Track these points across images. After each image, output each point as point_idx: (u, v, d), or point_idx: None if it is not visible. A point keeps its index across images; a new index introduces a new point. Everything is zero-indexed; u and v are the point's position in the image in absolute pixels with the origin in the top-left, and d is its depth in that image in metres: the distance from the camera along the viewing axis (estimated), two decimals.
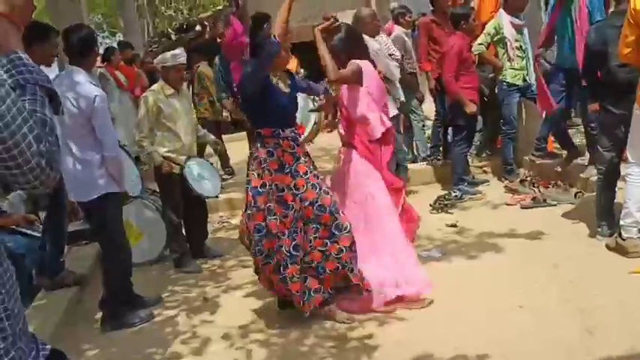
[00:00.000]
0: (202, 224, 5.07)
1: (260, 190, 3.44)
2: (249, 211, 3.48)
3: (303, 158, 3.52)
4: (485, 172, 6.74)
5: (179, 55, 4.65)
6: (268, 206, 3.42)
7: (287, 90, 3.58)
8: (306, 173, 3.48)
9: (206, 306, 4.15)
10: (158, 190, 4.97)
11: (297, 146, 3.51)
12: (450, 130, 6.76)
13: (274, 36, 3.38)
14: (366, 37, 4.76)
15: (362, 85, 3.76)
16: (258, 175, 3.46)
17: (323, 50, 3.62)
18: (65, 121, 3.59)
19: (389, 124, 3.92)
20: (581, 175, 5.74)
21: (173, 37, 11.83)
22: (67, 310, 4.09)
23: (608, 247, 4.29)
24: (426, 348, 3.22)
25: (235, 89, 5.17)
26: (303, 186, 3.46)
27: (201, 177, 4.79)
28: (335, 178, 3.99)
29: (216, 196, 5.02)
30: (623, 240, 4.13)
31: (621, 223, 4.15)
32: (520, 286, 3.84)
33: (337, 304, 3.69)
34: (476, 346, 3.16)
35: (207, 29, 11.62)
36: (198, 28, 11.79)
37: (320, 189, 3.50)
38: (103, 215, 3.68)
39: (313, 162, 3.68)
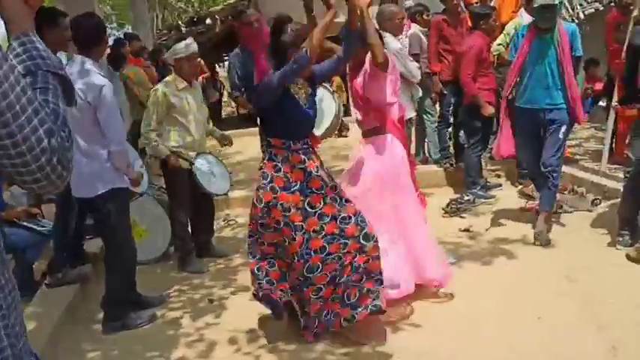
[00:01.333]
0: (209, 222, 4.95)
1: (255, 202, 3.27)
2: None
3: (314, 172, 3.24)
4: (498, 176, 6.59)
5: (190, 44, 4.50)
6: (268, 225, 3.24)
7: (305, 101, 3.32)
8: (321, 188, 3.23)
9: (212, 308, 4.02)
10: (165, 186, 4.82)
11: (308, 160, 3.25)
12: (462, 132, 6.62)
13: (307, 51, 3.11)
14: (387, 36, 4.68)
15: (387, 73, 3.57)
16: (258, 188, 3.27)
17: (372, 29, 3.37)
18: (73, 114, 3.45)
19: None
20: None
21: (183, 29, 11.69)
22: (67, 309, 3.95)
23: (628, 257, 4.15)
24: (445, 357, 3.10)
25: (250, 83, 5.00)
26: (320, 202, 3.22)
27: (211, 174, 4.65)
28: (356, 170, 3.73)
29: (226, 194, 4.87)
30: None
31: None
32: (537, 297, 3.71)
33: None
34: (497, 358, 3.02)
35: (218, 23, 11.54)
36: (208, 21, 11.68)
37: (340, 200, 3.27)
38: (108, 212, 3.55)
39: (328, 171, 3.45)
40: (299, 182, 3.20)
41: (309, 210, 3.21)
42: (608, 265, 4.10)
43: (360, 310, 3.22)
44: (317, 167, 3.28)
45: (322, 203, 3.22)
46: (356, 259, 3.20)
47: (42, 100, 1.14)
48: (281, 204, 3.18)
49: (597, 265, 4.11)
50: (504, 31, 5.90)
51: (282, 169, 3.21)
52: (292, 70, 3.12)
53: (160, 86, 4.52)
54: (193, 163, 4.51)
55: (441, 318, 3.52)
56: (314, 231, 3.19)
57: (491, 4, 6.72)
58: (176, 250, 4.82)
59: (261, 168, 3.36)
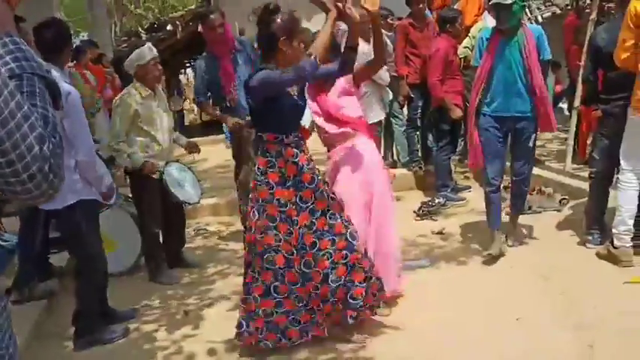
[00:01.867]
0: (180, 232, 4.84)
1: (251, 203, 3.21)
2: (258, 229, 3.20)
3: (306, 165, 3.22)
4: (467, 177, 6.66)
5: (150, 50, 4.40)
6: (267, 224, 3.16)
7: (295, 93, 3.28)
8: (312, 181, 3.21)
9: (187, 319, 3.92)
10: (132, 197, 4.68)
11: (300, 153, 3.22)
12: (430, 135, 6.67)
13: (315, 57, 3.04)
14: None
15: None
16: (255, 186, 3.20)
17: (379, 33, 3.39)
18: None
19: None
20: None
21: (143, 36, 11.50)
22: (35, 326, 3.81)
23: (599, 255, 4.21)
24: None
25: (216, 88, 4.89)
26: (311, 197, 3.19)
27: (182, 182, 4.55)
28: (334, 173, 3.67)
29: (197, 202, 4.77)
30: (616, 248, 4.05)
31: (614, 231, 4.08)
32: (514, 297, 3.73)
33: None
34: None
35: (180, 29, 11.39)
36: (169, 27, 11.52)
37: (328, 195, 3.27)
38: (77, 223, 3.42)
39: (316, 166, 3.39)
40: (292, 176, 3.18)
41: (301, 205, 3.18)
42: (581, 263, 4.16)
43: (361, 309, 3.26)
44: (307, 160, 3.25)
45: (313, 197, 3.20)
46: (348, 257, 3.19)
47: (30, 104, 1.07)
48: (277, 199, 3.14)
49: (570, 263, 4.16)
50: (470, 34, 5.98)
51: (277, 164, 3.17)
52: (301, 78, 3.09)
53: (123, 96, 4.40)
54: (163, 172, 4.40)
55: (421, 321, 3.50)
56: (305, 226, 3.17)
57: (455, 7, 6.80)
58: (147, 262, 4.69)
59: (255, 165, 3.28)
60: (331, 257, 3.17)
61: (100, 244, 3.61)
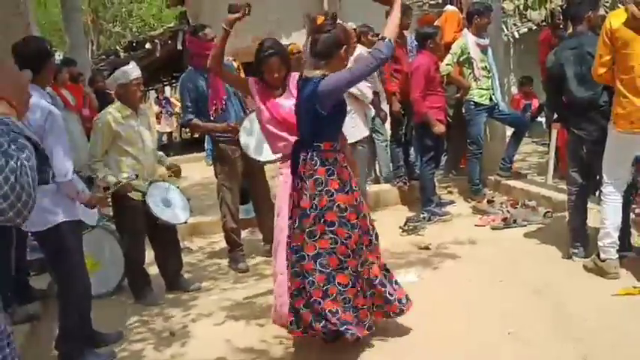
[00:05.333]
0: (176, 254, 4.73)
1: (309, 212, 3.18)
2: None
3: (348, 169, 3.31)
4: (450, 192, 6.69)
5: (133, 68, 4.34)
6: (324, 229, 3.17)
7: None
8: (356, 186, 3.31)
9: (176, 338, 3.85)
10: (114, 218, 4.60)
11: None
12: (411, 150, 6.71)
13: (390, 40, 3.11)
14: None
15: None
16: (312, 196, 3.17)
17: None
18: None
19: None
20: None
21: (122, 54, 11.42)
22: (21, 350, 3.69)
23: (585, 268, 4.24)
24: None
25: (203, 103, 4.85)
26: (358, 199, 3.29)
27: (168, 202, 4.47)
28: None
29: (185, 222, 4.69)
30: (602, 261, 4.08)
31: (599, 244, 4.11)
32: (504, 311, 3.72)
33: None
34: None
35: (158, 47, 11.35)
36: (148, 45, 11.47)
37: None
38: (60, 245, 3.34)
39: None
40: (348, 181, 3.25)
41: (360, 208, 3.29)
42: (569, 276, 4.18)
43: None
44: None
45: (359, 200, 3.31)
46: (380, 259, 3.36)
47: (15, 148, 1.31)
48: (337, 205, 3.16)
49: (559, 276, 4.18)
50: (451, 51, 6.03)
51: (335, 172, 3.21)
52: (383, 60, 3.15)
53: (103, 114, 4.34)
54: (146, 193, 4.32)
55: (410, 336, 3.48)
56: (364, 228, 3.30)
57: (435, 24, 6.87)
58: (129, 285, 4.59)
59: (296, 173, 3.29)
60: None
61: (84, 266, 3.53)
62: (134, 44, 12.20)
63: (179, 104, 14.07)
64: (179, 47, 11.39)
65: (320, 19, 3.31)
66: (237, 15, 3.69)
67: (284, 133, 3.74)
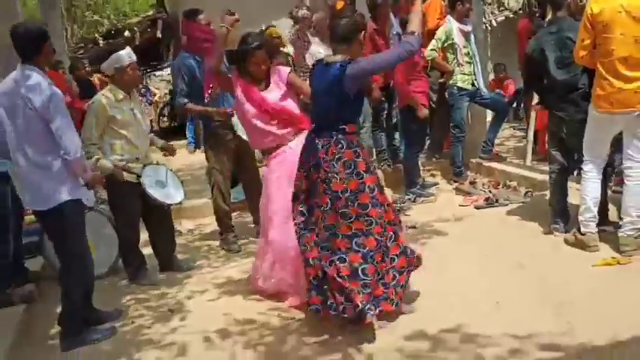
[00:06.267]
0: (169, 235, 4.80)
1: (340, 194, 3.28)
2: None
3: None
4: (433, 175, 6.85)
5: (130, 53, 4.42)
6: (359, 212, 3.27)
7: None
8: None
9: (174, 314, 3.95)
10: (108, 200, 4.65)
11: None
12: (397, 134, 6.84)
13: (419, 34, 3.25)
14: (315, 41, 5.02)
15: None
16: (342, 179, 3.27)
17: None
18: (20, 124, 3.32)
19: None
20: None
21: (101, 42, 11.34)
22: (19, 331, 3.76)
23: (567, 242, 4.43)
24: (410, 351, 3.19)
25: (198, 87, 4.93)
26: (378, 177, 3.45)
27: (162, 184, 4.54)
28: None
29: (180, 203, 4.76)
30: (582, 235, 4.28)
31: (580, 218, 4.31)
32: (491, 284, 3.88)
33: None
34: (468, 343, 3.17)
35: (137, 35, 11.31)
36: (127, 33, 11.42)
37: None
38: (64, 224, 3.41)
39: None
40: (370, 161, 3.41)
41: (381, 187, 3.45)
42: (551, 250, 4.38)
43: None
44: None
45: (378, 178, 3.47)
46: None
47: None
48: (368, 186, 3.28)
49: (541, 251, 4.37)
50: (436, 37, 6.17)
51: (361, 154, 3.33)
52: (412, 53, 3.29)
53: (97, 98, 4.39)
54: (140, 176, 4.39)
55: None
56: (388, 204, 3.48)
57: None
58: (124, 266, 4.66)
59: (316, 157, 3.35)
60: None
61: (87, 244, 3.60)
62: (113, 32, 12.11)
63: (158, 92, 14.07)
64: (158, 35, 11.36)
65: (339, 4, 3.45)
66: (236, 17, 3.90)
67: (272, 127, 3.88)
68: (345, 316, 3.29)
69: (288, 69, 4.17)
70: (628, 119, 4.00)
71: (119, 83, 4.36)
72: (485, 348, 3.10)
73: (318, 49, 5.47)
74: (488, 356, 3.03)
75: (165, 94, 15.05)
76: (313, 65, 3.69)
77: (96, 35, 12.49)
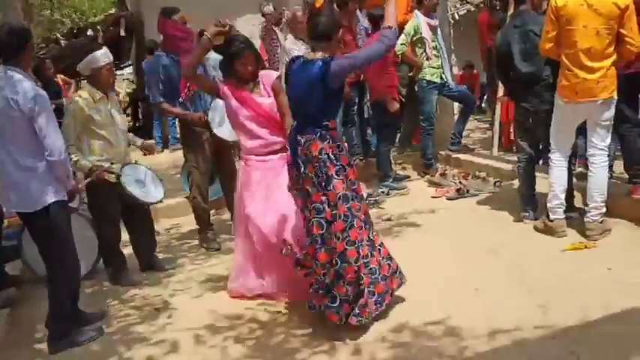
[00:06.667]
0: (150, 234, 4.83)
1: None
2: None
3: None
4: (404, 168, 7.00)
5: (105, 53, 4.43)
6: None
7: None
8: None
9: (160, 312, 4.00)
10: (87, 201, 4.65)
11: None
12: (369, 129, 6.98)
13: (395, 28, 3.34)
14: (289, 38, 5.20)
15: None
16: (337, 174, 3.30)
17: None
18: (4, 125, 3.31)
19: None
20: None
21: (62, 42, 11.15)
22: (4, 334, 3.76)
23: (536, 228, 4.63)
24: (391, 338, 3.32)
25: (173, 86, 4.95)
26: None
27: (141, 183, 4.56)
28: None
29: (160, 201, 4.78)
30: (551, 221, 4.47)
31: (548, 205, 4.50)
32: (467, 272, 4.03)
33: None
34: (451, 330, 3.31)
35: (100, 33, 11.16)
36: (90, 32, 11.25)
37: None
38: (50, 225, 3.41)
39: None
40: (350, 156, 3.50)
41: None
42: (522, 237, 4.57)
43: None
44: None
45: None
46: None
47: None
48: (349, 180, 3.36)
49: (512, 238, 4.56)
50: (405, 31, 6.29)
51: (344, 148, 3.43)
52: (390, 47, 3.38)
53: (74, 99, 4.38)
54: (120, 175, 4.40)
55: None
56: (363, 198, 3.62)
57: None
58: (105, 267, 4.67)
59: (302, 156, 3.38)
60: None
61: (73, 245, 3.61)
62: (75, 31, 11.91)
63: (121, 92, 13.92)
64: (122, 34, 11.23)
65: (319, 2, 3.49)
66: (224, 29, 3.86)
67: (263, 131, 3.92)
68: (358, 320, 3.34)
69: (275, 74, 4.19)
70: (591, 108, 4.20)
71: (96, 83, 4.36)
72: (466, 334, 3.24)
73: (293, 46, 5.53)
74: (470, 341, 3.17)
75: (128, 92, 14.88)
76: (289, 62, 3.74)
77: (57, 35, 12.25)
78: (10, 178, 3.38)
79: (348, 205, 3.31)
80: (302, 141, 3.40)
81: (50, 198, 3.39)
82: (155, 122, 10.53)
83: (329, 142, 3.35)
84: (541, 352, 2.99)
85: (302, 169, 3.40)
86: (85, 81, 4.57)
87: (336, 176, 3.30)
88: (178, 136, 9.62)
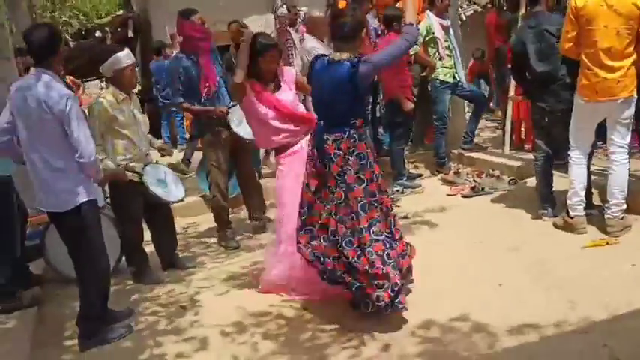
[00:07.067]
0: (171, 233, 4.86)
1: (354, 186, 3.40)
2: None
3: None
4: (416, 167, 7.04)
5: (129, 54, 4.47)
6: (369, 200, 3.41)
7: None
8: None
9: (186, 310, 4.04)
10: (110, 200, 4.69)
11: None
12: (380, 128, 7.02)
13: (415, 25, 3.46)
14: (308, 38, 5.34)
15: None
16: (356, 171, 3.39)
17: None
18: (36, 127, 3.35)
19: None
20: None
21: (71, 43, 11.19)
22: (35, 333, 3.79)
23: (555, 226, 4.67)
24: (423, 333, 3.36)
25: (194, 86, 5.00)
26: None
27: (163, 182, 4.60)
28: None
29: (182, 200, 4.82)
30: (571, 218, 4.52)
31: (568, 202, 4.54)
32: (488, 268, 4.08)
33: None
34: (478, 325, 3.35)
35: (109, 35, 11.20)
36: (98, 34, 11.30)
37: None
38: (81, 225, 3.45)
39: None
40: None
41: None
42: (541, 234, 4.60)
43: None
44: None
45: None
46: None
47: None
48: (376, 175, 3.46)
49: (532, 235, 4.59)
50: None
51: (369, 145, 3.49)
52: (413, 43, 3.47)
53: (98, 100, 4.42)
54: (142, 175, 4.44)
55: (409, 296, 3.70)
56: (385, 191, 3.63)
57: (396, 6, 7.18)
58: (128, 266, 4.71)
59: (329, 152, 3.45)
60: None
61: (103, 244, 3.64)
62: (83, 32, 11.95)
63: None
64: (130, 35, 11.25)
65: (342, 4, 3.54)
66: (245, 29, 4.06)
67: (289, 125, 3.98)
68: (381, 304, 3.38)
69: (292, 69, 4.28)
70: (611, 107, 4.24)
71: (119, 84, 4.40)
72: (494, 329, 3.28)
73: (315, 44, 5.54)
74: (498, 337, 3.21)
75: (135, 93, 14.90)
76: (311, 62, 3.78)
77: (66, 36, 12.29)
78: (41, 178, 3.41)
79: (373, 199, 3.41)
80: (330, 140, 3.45)
81: (81, 198, 3.42)
82: (163, 123, 10.57)
83: (357, 141, 3.42)
84: (571, 347, 3.03)
85: (326, 168, 3.46)
86: (94, 81, 4.61)
87: (362, 175, 3.39)
88: (187, 136, 9.78)
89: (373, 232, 3.38)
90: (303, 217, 3.62)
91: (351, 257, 3.39)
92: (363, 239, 3.37)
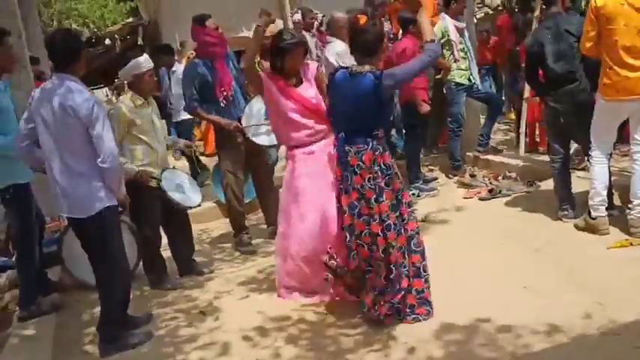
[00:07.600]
0: (188, 239, 4.85)
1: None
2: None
3: None
4: (431, 170, 6.98)
5: (146, 60, 4.46)
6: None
7: None
8: None
9: (207, 314, 4.01)
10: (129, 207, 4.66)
11: None
12: (394, 131, 6.98)
13: (437, 40, 3.54)
14: (335, 40, 5.29)
15: None
16: (386, 182, 3.43)
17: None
18: (59, 132, 3.33)
19: None
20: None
21: None
22: (55, 340, 3.77)
23: (577, 227, 4.60)
24: (441, 335, 3.33)
25: (209, 91, 4.99)
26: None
27: (180, 187, 4.58)
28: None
29: (199, 205, 4.80)
30: (593, 219, 4.45)
31: (590, 203, 4.47)
32: (511, 269, 4.02)
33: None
34: (505, 327, 3.29)
35: (118, 42, 11.24)
36: (108, 41, 11.33)
37: None
38: (103, 231, 3.43)
39: None
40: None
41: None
42: (563, 235, 4.53)
43: None
44: None
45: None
46: None
47: None
48: (401, 188, 3.49)
49: (554, 236, 4.53)
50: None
51: (391, 156, 3.53)
52: (435, 59, 3.54)
53: (117, 105, 4.43)
54: (161, 180, 4.42)
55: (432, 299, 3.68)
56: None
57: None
58: (146, 272, 4.68)
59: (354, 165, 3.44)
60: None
61: (124, 249, 3.62)
62: (93, 40, 12.00)
63: None
64: (139, 42, 11.31)
65: (362, 19, 3.56)
66: (272, 17, 4.05)
67: (310, 121, 3.95)
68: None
69: (315, 64, 4.26)
70: (634, 106, 4.19)
71: (137, 89, 4.40)
72: (522, 331, 3.23)
73: (344, 48, 5.44)
74: (527, 338, 3.16)
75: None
76: (331, 73, 3.77)
77: None
78: (63, 184, 3.39)
79: (396, 214, 3.43)
80: (352, 152, 3.44)
81: (103, 203, 3.40)
82: (172, 128, 10.57)
83: (380, 152, 3.44)
84: (604, 348, 2.98)
85: (348, 181, 3.46)
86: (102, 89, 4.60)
87: (386, 187, 3.42)
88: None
89: (413, 244, 3.47)
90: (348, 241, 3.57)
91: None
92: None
